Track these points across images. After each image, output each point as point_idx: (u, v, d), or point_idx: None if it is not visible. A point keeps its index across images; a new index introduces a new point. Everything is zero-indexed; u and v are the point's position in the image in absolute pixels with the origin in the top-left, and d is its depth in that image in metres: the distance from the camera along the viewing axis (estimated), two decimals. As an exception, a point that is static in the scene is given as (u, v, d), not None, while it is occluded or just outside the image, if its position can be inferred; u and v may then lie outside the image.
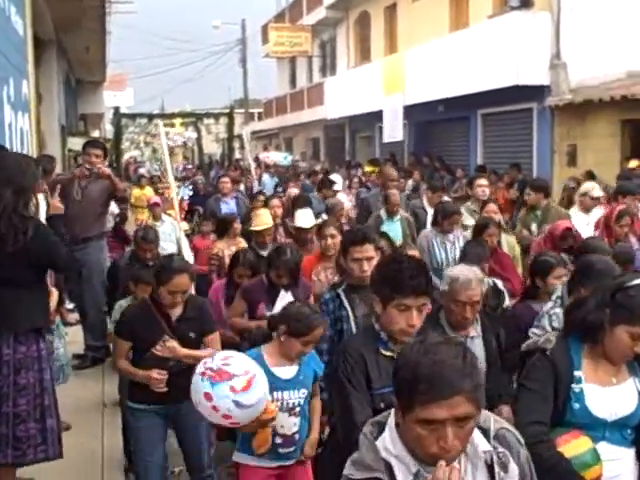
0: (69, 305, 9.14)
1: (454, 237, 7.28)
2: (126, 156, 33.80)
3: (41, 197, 6.73)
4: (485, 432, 2.19)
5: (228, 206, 11.38)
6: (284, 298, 5.21)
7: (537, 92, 15.14)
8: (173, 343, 4.37)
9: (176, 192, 11.69)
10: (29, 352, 4.33)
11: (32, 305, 4.37)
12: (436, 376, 1.96)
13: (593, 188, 8.41)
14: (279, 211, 9.45)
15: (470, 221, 7.89)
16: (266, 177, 19.44)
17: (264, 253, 6.78)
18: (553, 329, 4.11)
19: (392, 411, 2.20)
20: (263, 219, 7.50)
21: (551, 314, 4.39)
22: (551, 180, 14.86)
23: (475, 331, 4.30)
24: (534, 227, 8.11)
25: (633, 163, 12.28)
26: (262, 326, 4.82)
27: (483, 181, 8.88)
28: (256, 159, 26.86)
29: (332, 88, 25.68)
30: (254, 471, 4.07)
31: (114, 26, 22.77)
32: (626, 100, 12.86)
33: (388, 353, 3.19)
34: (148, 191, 17.34)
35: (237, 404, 3.36)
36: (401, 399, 2.06)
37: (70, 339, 7.76)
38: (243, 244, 8.23)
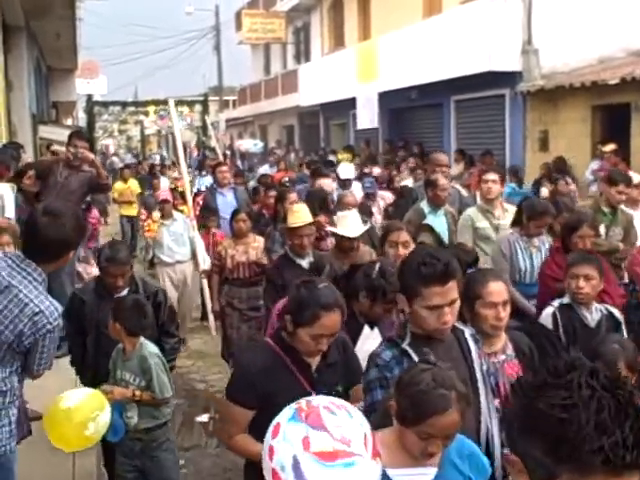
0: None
1: (539, 242, 6.07)
2: (98, 145, 33.59)
3: (7, 186, 6.68)
4: None
5: (225, 199, 10.23)
6: (368, 339, 3.94)
7: (509, 78, 15.19)
8: None
9: (190, 184, 10.44)
10: None
11: None
12: None
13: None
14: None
15: (483, 223, 6.79)
16: (266, 167, 18.65)
17: (303, 263, 5.68)
18: None
19: None
20: (300, 215, 5.93)
21: None
22: (523, 166, 15.00)
23: None
24: (602, 229, 6.48)
25: (609, 147, 12.37)
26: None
27: (492, 176, 7.09)
28: (230, 147, 26.82)
29: (306, 75, 25.59)
30: None
31: (86, 13, 22.59)
32: (597, 86, 12.96)
33: None
34: (132, 184, 16.82)
35: (296, 467, 2.03)
36: None
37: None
38: (256, 244, 7.37)
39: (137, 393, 4.38)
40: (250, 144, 25.02)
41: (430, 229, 6.28)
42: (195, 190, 11.65)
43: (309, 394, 2.92)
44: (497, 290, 3.59)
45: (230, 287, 7.37)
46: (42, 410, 5.52)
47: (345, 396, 3.11)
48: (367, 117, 20.14)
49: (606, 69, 13.73)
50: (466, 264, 4.62)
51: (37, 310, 3.28)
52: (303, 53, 29.84)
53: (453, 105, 18.14)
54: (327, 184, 9.63)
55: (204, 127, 28.42)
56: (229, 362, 7.38)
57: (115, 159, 29.30)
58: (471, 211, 7.02)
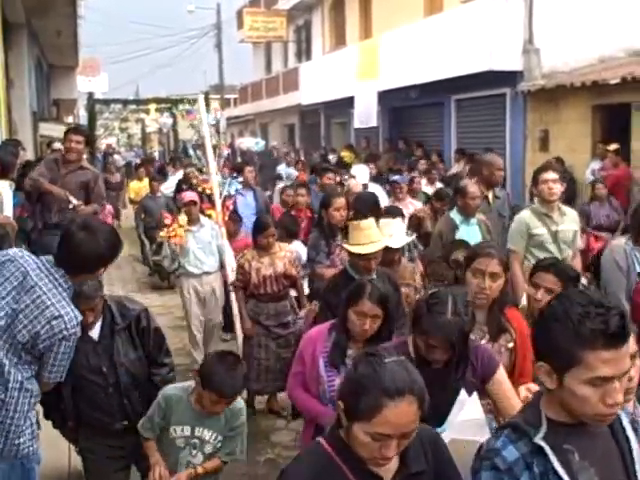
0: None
1: None
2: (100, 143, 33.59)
3: (6, 184, 6.68)
4: None
5: (245, 200, 9.82)
6: (465, 407, 3.05)
7: (510, 77, 15.19)
8: None
9: (218, 186, 8.99)
10: None
11: None
12: None
13: None
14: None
15: (540, 229, 6.13)
16: (282, 167, 17.96)
17: None
18: None
19: None
20: (371, 235, 4.95)
21: None
22: (523, 165, 15.01)
23: None
24: None
25: (612, 146, 12.36)
26: None
27: (552, 174, 6.17)
28: (231, 145, 26.77)
29: (307, 73, 25.61)
30: None
31: (87, 10, 22.59)
32: (597, 85, 12.95)
33: None
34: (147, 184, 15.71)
35: None
36: None
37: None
38: (282, 254, 6.69)
39: (205, 468, 3.92)
40: (251, 142, 24.94)
41: (466, 246, 5.39)
42: (225, 193, 10.36)
43: None
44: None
45: (256, 303, 6.74)
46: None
47: None
48: (365, 116, 20.15)
49: (607, 69, 13.73)
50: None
51: (57, 314, 3.32)
52: (304, 51, 29.84)
53: (454, 104, 18.14)
54: (355, 185, 9.23)
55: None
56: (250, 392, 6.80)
57: (117, 157, 29.27)
58: (525, 215, 6.27)
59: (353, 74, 21.03)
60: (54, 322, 3.31)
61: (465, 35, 15.54)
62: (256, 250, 6.67)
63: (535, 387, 3.35)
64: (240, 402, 3.96)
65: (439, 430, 2.82)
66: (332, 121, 26.64)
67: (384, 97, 19.34)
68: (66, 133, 7.98)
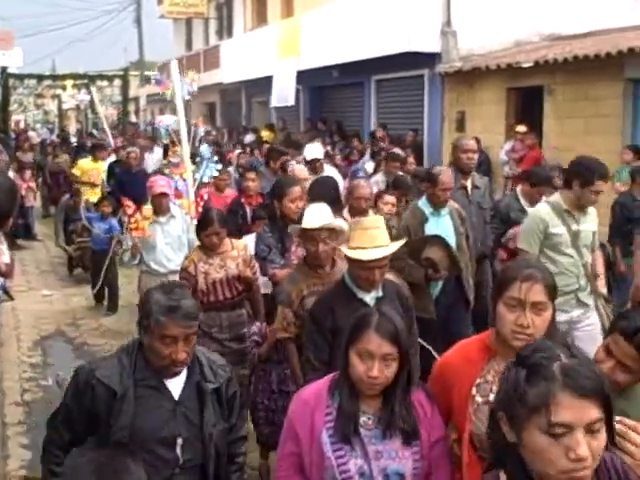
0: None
1: None
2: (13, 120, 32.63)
3: None
4: None
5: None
6: None
7: (428, 59, 15.37)
8: None
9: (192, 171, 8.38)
10: None
11: None
12: None
13: None
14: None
15: (559, 228, 5.15)
16: (204, 147, 17.71)
17: (366, 298, 3.84)
18: None
19: None
20: (376, 236, 3.74)
21: None
22: (441, 145, 15.27)
23: None
24: None
25: (521, 128, 12.72)
26: None
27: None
28: (151, 123, 26.40)
29: (228, 51, 25.40)
30: None
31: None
32: (511, 68, 13.23)
33: None
34: (101, 165, 14.04)
35: None
36: None
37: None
38: (234, 252, 5.60)
39: None
40: (171, 120, 24.67)
41: (440, 241, 4.89)
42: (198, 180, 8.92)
43: None
44: None
45: (207, 313, 5.45)
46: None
47: None
48: (282, 95, 20.13)
49: (521, 52, 14.05)
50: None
51: None
52: (226, 29, 29.50)
53: (374, 85, 18.27)
54: (300, 169, 8.13)
55: (124, 103, 27.96)
56: None
57: (32, 134, 28.48)
58: (544, 211, 5.23)
59: (274, 53, 20.95)
60: None
61: (385, 16, 15.63)
62: (202, 250, 5.59)
63: None
64: None
65: None
66: (253, 100, 26.49)
67: (306, 77, 19.34)
68: None
